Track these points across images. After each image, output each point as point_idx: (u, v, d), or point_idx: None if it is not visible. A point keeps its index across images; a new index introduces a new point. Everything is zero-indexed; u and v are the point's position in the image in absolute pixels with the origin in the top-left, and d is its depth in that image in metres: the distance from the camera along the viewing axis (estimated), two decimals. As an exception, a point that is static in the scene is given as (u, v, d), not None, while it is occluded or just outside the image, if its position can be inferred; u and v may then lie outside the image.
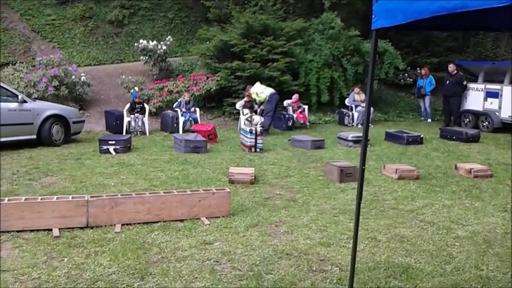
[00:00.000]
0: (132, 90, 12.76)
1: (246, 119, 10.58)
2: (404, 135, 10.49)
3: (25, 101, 9.23)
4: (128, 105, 11.63)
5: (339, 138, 10.42)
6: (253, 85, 12.16)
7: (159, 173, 7.34)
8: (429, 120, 14.69)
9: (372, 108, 12.76)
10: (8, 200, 4.80)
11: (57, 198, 4.99)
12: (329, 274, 3.88)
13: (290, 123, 12.41)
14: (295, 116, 12.71)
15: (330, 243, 4.53)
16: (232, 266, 4.00)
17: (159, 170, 7.54)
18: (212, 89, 13.05)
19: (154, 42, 13.97)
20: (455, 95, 13.51)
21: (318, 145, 9.78)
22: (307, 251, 4.34)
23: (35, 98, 10.84)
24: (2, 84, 9.41)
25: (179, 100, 12.13)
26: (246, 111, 11.69)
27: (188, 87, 13.02)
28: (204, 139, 9.40)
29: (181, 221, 5.07)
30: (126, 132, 11.05)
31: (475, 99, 13.47)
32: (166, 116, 11.88)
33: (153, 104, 12.84)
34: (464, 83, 13.60)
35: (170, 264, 4.01)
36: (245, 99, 12.07)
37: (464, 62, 15.76)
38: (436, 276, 3.87)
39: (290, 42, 13.66)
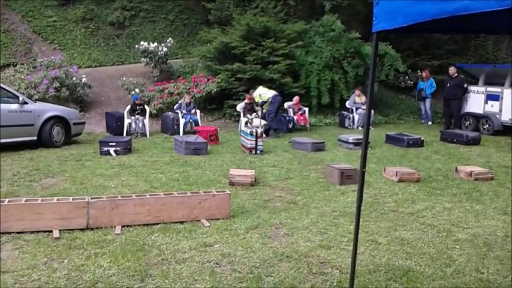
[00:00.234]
0: (132, 92, 12.77)
1: (246, 123, 10.62)
2: (405, 137, 10.49)
3: (26, 103, 9.24)
4: (129, 106, 11.64)
5: (339, 140, 10.41)
6: (255, 88, 12.20)
7: (159, 175, 7.34)
8: (430, 122, 14.69)
9: (372, 111, 12.76)
10: (9, 201, 4.79)
11: (57, 200, 4.99)
12: (329, 277, 3.88)
13: (291, 125, 12.41)
14: (295, 118, 12.71)
15: (330, 246, 4.52)
16: (232, 268, 3.99)
17: (160, 172, 7.54)
18: (213, 91, 13.06)
19: (155, 44, 13.99)
20: (456, 98, 13.51)
21: (319, 147, 9.77)
22: (308, 254, 4.33)
23: (36, 100, 10.85)
24: (3, 86, 9.42)
25: (180, 102, 12.13)
26: (247, 115, 11.72)
27: (189, 89, 13.03)
28: (205, 141, 9.40)
29: (182, 222, 5.07)
30: (127, 134, 11.06)
31: (475, 101, 13.47)
32: (167, 118, 11.88)
33: (154, 105, 12.85)
34: (465, 85, 13.61)
35: (170, 266, 4.00)
36: (246, 101, 12.09)
37: (465, 64, 15.77)
38: (436, 279, 3.87)
39: (291, 45, 13.67)
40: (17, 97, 9.20)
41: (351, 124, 13.46)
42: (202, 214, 5.19)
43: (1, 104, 8.76)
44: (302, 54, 14.18)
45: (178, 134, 11.27)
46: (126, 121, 11.33)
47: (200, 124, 11.91)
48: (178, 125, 11.62)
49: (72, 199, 5.00)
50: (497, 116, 12.76)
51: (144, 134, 11.30)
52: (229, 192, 5.46)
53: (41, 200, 4.94)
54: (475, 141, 10.87)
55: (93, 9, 16.14)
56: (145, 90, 13.21)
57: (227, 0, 15.48)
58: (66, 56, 14.66)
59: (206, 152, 9.10)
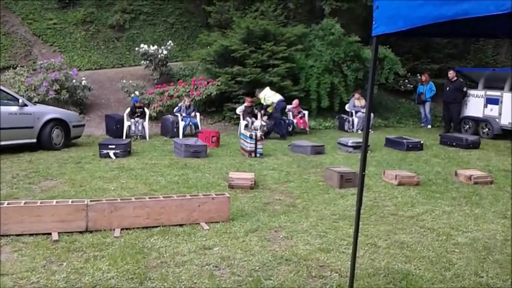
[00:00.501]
0: (132, 95, 12.78)
1: (246, 126, 10.67)
2: (405, 141, 10.49)
3: (25, 105, 9.24)
4: (128, 109, 11.64)
5: (339, 143, 10.42)
6: (262, 88, 12.30)
7: (158, 178, 7.33)
8: (429, 126, 14.70)
9: (372, 114, 12.77)
10: (8, 204, 4.79)
11: (56, 202, 4.98)
12: (328, 280, 3.87)
13: (290, 129, 12.41)
14: (295, 121, 12.71)
15: (330, 249, 4.52)
16: (232, 272, 3.99)
17: (159, 175, 7.53)
18: (212, 94, 13.07)
19: (155, 46, 14.02)
20: (456, 102, 13.53)
21: (318, 150, 9.77)
22: (307, 257, 4.33)
23: (36, 102, 10.85)
24: (3, 88, 9.42)
25: (179, 105, 12.14)
26: (247, 118, 11.75)
27: (189, 91, 13.04)
28: (205, 144, 9.40)
29: (181, 225, 5.06)
30: (126, 137, 11.06)
31: (475, 105, 13.48)
32: (167, 121, 11.89)
33: (154, 108, 12.86)
34: (465, 89, 13.62)
35: (169, 269, 4.00)
36: (245, 104, 12.10)
37: (465, 68, 15.79)
38: (435, 283, 3.86)
39: (291, 48, 13.70)
40: (17, 99, 9.20)
41: (351, 127, 13.48)
42: (201, 217, 5.18)
43: (1, 106, 8.76)
44: (302, 58, 14.21)
45: (178, 136, 11.27)
46: (126, 124, 11.33)
47: (200, 127, 11.92)
48: (178, 128, 11.62)
49: (72, 202, 4.99)
50: (497, 120, 12.77)
51: (143, 137, 11.30)
52: (228, 195, 5.45)
53: (40, 203, 4.93)
54: (475, 145, 10.88)
55: (93, 12, 16.17)
56: (145, 93, 13.22)
57: (227, 3, 15.52)
58: (66, 58, 14.68)
59: (206, 155, 9.10)
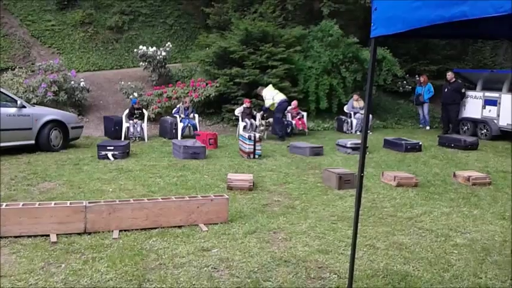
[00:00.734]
0: (131, 96, 12.78)
1: (244, 127, 10.68)
2: (403, 142, 10.50)
3: (24, 106, 9.23)
4: (127, 110, 11.64)
5: (337, 145, 10.43)
6: (257, 88, 12.36)
7: (157, 179, 7.33)
8: (428, 127, 14.72)
9: (370, 115, 12.79)
10: (6, 206, 4.78)
11: (55, 204, 4.97)
12: (327, 281, 3.87)
13: (289, 130, 12.42)
14: (294, 122, 12.72)
15: (328, 251, 4.52)
16: (230, 273, 3.98)
17: (158, 176, 7.53)
18: (211, 95, 13.07)
19: (154, 48, 14.02)
20: (454, 103, 13.55)
21: (317, 152, 9.78)
22: (306, 258, 4.33)
23: (34, 103, 10.84)
24: (1, 90, 9.40)
25: (178, 106, 12.14)
26: (245, 119, 11.76)
27: (187, 93, 13.04)
28: (203, 145, 9.40)
29: (179, 227, 5.06)
30: (125, 138, 11.05)
31: (473, 107, 13.50)
32: (165, 122, 11.88)
33: (152, 109, 12.85)
34: (463, 90, 13.64)
35: (168, 271, 3.99)
36: (244, 105, 12.10)
37: (463, 69, 15.81)
38: (434, 284, 3.87)
39: (289, 49, 13.70)
40: (15, 101, 9.18)
41: (349, 129, 13.49)
42: (200, 218, 5.18)
43: (-1, 108, 8.77)
44: (300, 59, 14.22)
45: (177, 138, 11.26)
46: (124, 125, 11.32)
47: (198, 128, 11.91)
48: (176, 129, 11.61)
49: (70, 203, 4.98)
50: (495, 121, 12.80)
51: (142, 138, 11.29)
52: (227, 196, 5.46)
53: (39, 204, 4.92)
54: (473, 146, 10.89)
55: (92, 13, 16.16)
56: (144, 95, 13.22)
57: (226, 4, 15.53)
58: (65, 60, 14.66)
59: (204, 157, 9.10)
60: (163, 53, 13.92)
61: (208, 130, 11.97)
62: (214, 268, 4.08)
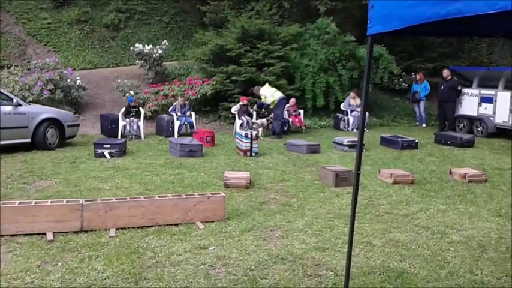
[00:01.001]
0: (127, 94, 12.74)
1: (241, 125, 10.69)
2: (399, 140, 10.53)
3: (20, 105, 9.19)
4: (123, 109, 11.61)
5: (334, 142, 10.44)
6: (254, 87, 12.32)
7: (154, 177, 7.32)
8: (424, 125, 14.76)
9: (367, 113, 12.80)
10: (2, 204, 4.77)
11: (51, 202, 4.96)
12: (324, 279, 3.88)
13: (286, 127, 12.42)
14: (290, 120, 12.73)
15: (325, 248, 4.53)
16: (227, 271, 3.99)
17: (154, 174, 7.52)
18: (208, 93, 13.05)
19: (150, 46, 13.98)
20: (450, 100, 13.59)
21: (313, 149, 9.79)
22: (302, 256, 4.34)
23: (30, 102, 10.79)
24: (-3, 88, 9.38)
25: (174, 104, 12.12)
26: (242, 117, 11.76)
27: (184, 91, 13.02)
28: (200, 143, 9.39)
29: (176, 225, 5.06)
30: (121, 136, 11.03)
31: (469, 104, 13.54)
32: (162, 120, 11.87)
33: (149, 107, 12.83)
34: (459, 88, 13.68)
35: (165, 269, 3.99)
36: (240, 103, 12.10)
37: (459, 67, 15.85)
38: (430, 281, 3.88)
39: (286, 47, 13.69)
40: (11, 99, 9.15)
41: (346, 126, 13.51)
42: (197, 216, 5.18)
43: (-5, 106, 8.73)
44: (297, 57, 14.22)
45: (173, 136, 11.26)
46: (121, 123, 11.30)
47: (195, 126, 11.90)
48: (173, 127, 11.61)
49: (66, 202, 4.97)
50: (491, 119, 12.84)
51: (138, 136, 11.27)
52: (224, 194, 5.46)
53: (35, 203, 4.91)
54: (469, 144, 10.93)
55: (88, 11, 16.09)
56: (140, 93, 13.18)
57: (222, 2, 15.50)
58: (61, 58, 14.61)
59: (201, 154, 9.09)
60: (160, 51, 13.88)
61: (205, 128, 11.92)
62: (211, 266, 4.08)
